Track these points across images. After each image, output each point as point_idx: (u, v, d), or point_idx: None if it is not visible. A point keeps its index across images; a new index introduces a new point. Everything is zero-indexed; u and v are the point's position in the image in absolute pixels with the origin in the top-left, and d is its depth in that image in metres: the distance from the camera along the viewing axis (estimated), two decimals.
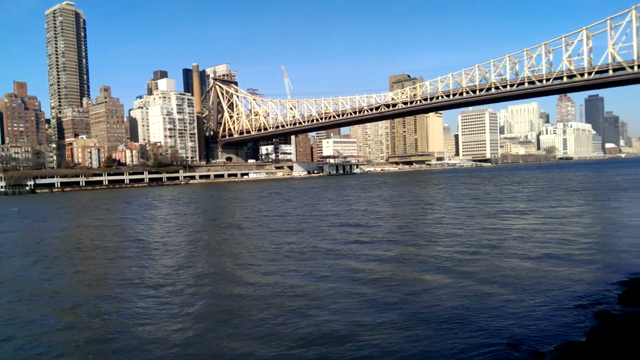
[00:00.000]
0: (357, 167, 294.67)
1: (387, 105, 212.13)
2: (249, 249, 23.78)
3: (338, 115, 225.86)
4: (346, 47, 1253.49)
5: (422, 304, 13.15)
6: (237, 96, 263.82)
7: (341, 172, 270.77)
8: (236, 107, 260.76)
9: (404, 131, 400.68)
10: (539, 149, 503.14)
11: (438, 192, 66.47)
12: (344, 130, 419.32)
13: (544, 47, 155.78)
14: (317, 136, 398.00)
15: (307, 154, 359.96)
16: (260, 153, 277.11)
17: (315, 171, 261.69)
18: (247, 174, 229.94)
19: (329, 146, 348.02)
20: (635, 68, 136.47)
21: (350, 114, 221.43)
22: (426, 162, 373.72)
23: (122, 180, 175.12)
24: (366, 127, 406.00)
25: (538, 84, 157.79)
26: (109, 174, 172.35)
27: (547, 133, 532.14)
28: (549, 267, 16.60)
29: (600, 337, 9.37)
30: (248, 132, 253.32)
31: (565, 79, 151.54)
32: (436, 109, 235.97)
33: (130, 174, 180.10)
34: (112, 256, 23.45)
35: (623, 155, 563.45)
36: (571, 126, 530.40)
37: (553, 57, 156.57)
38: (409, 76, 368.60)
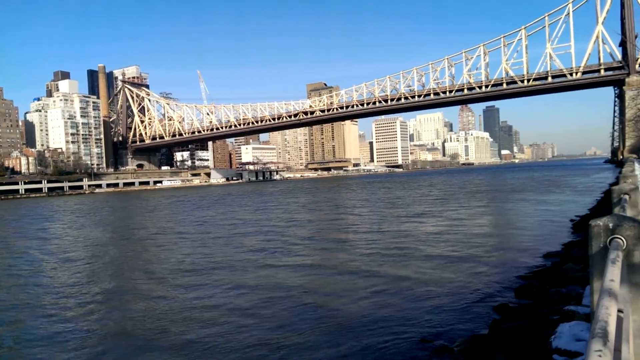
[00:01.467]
0: (277, 174, 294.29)
1: (305, 113, 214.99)
2: (160, 262, 22.54)
3: (257, 122, 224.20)
4: (264, 53, 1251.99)
5: (335, 307, 13.35)
6: (149, 100, 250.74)
7: (261, 178, 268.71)
8: (148, 111, 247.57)
9: (322, 138, 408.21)
10: (444, 155, 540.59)
11: (355, 196, 68.63)
12: (263, 136, 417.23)
13: (447, 61, 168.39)
14: (235, 142, 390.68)
15: (226, 160, 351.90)
16: (175, 160, 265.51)
17: (234, 178, 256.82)
18: (160, 182, 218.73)
19: (248, 152, 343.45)
20: (525, 82, 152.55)
21: (269, 120, 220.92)
22: (344, 168, 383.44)
23: (17, 191, 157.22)
24: (285, 133, 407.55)
25: (442, 95, 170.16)
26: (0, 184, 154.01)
27: (451, 141, 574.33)
28: (454, 267, 17.73)
29: (500, 329, 10.17)
30: (161, 137, 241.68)
31: (465, 91, 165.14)
32: (352, 117, 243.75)
33: (26, 183, 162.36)
34: None
35: (516, 161, 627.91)
36: (472, 134, 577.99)
37: (455, 71, 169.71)
38: (325, 84, 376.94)
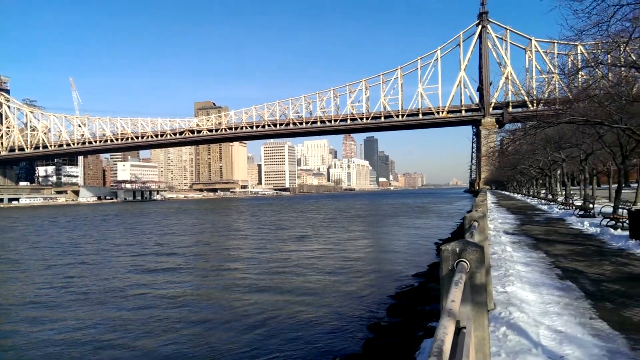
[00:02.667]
0: (157, 194, 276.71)
1: (192, 131, 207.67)
2: (13, 292, 19.53)
3: (137, 137, 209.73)
4: (148, 65, 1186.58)
5: (210, 332, 12.87)
6: (9, 106, 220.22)
7: (139, 198, 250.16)
8: (6, 119, 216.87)
9: (209, 158, 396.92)
10: (329, 180, 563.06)
11: (240, 218, 67.51)
12: (144, 153, 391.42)
13: (333, 92, 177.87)
14: (111, 159, 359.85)
15: (99, 177, 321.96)
16: (36, 175, 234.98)
17: (107, 197, 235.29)
18: (17, 199, 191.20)
19: (125, 170, 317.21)
20: (400, 117, 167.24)
21: (152, 136, 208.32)
22: (231, 190, 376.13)
23: None
24: (169, 151, 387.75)
25: (328, 123, 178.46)
26: None
27: (335, 167, 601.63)
28: (332, 289, 18.27)
29: (373, 347, 10.70)
30: (21, 149, 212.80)
31: (349, 121, 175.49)
32: (241, 138, 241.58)
33: None
34: None
35: (392, 188, 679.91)
36: (354, 162, 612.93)
37: (340, 102, 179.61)
38: (214, 104, 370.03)
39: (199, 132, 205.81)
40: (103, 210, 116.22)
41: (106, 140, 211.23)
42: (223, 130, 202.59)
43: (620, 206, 17.47)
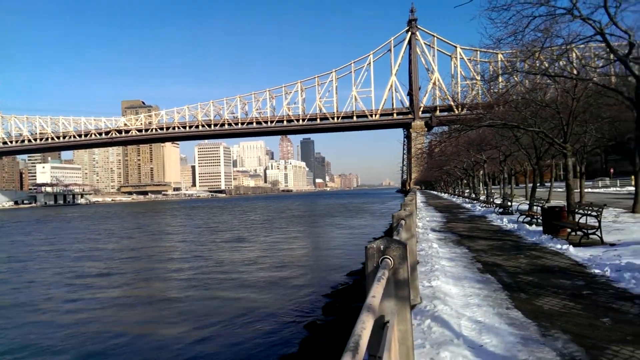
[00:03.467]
0: (82, 197, 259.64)
1: (120, 131, 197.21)
2: None
3: (58, 137, 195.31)
4: (69, 60, 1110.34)
5: (137, 338, 12.29)
6: None
7: (61, 202, 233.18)
8: None
9: (139, 160, 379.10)
10: (266, 182, 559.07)
11: (174, 222, 65.02)
12: (66, 154, 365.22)
13: (269, 93, 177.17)
14: (29, 160, 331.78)
15: (16, 180, 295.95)
16: None
17: (25, 201, 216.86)
18: None
19: (45, 172, 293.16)
20: (336, 119, 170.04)
21: (74, 136, 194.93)
22: (162, 192, 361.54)
23: None
24: (94, 152, 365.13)
25: (264, 124, 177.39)
26: None
27: (272, 168, 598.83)
28: (269, 291, 18.17)
29: (309, 345, 10.76)
30: None
31: (285, 123, 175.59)
32: (173, 139, 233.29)
33: None
34: None
35: (328, 189, 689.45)
36: (291, 163, 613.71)
37: (276, 103, 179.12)
38: (143, 103, 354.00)
39: (127, 132, 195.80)
40: (22, 216, 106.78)
41: (23, 141, 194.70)
42: (154, 130, 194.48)
43: (534, 204, 18.99)
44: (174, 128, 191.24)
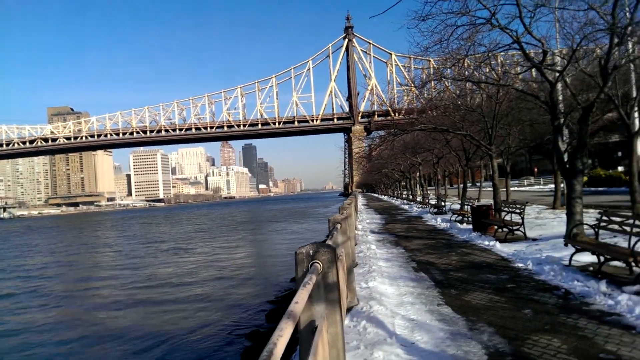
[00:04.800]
0: (4, 211, 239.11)
1: (46, 140, 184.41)
2: None
3: None
4: None
5: (70, 355, 11.51)
6: None
7: None
8: None
9: (68, 169, 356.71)
10: (207, 189, 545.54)
11: (106, 234, 61.55)
12: None
13: (208, 98, 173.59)
14: None
15: None
16: None
17: None
18: None
19: None
20: (277, 124, 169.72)
21: None
22: (95, 203, 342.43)
23: None
24: (17, 162, 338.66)
25: (204, 130, 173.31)
26: None
27: (213, 175, 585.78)
28: (210, 301, 17.69)
29: (251, 355, 10.56)
30: None
31: (225, 128, 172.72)
32: (105, 146, 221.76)
33: None
34: None
35: (272, 194, 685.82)
36: (233, 169, 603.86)
37: (215, 108, 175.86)
38: (72, 109, 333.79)
39: (54, 140, 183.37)
40: None
41: None
42: (84, 137, 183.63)
43: (465, 203, 19.99)
44: (106, 135, 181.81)
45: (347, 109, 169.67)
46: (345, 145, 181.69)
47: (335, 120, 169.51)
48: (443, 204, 24.29)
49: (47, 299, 20.32)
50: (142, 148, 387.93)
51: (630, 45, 11.18)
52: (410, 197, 40.16)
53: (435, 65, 15.37)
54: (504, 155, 23.53)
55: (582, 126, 10.34)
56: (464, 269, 9.71)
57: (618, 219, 8.36)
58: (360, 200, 58.15)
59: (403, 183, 55.69)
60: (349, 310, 6.89)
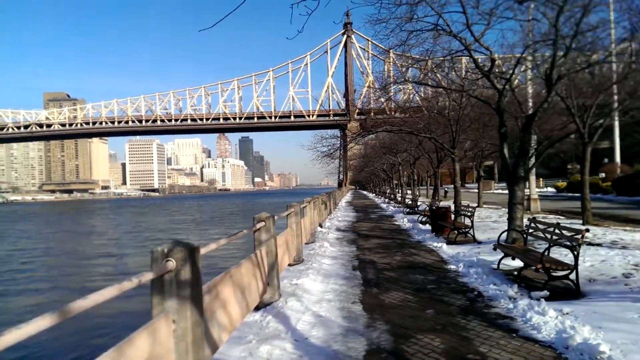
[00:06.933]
0: None
1: (41, 125, 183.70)
2: None
3: None
4: None
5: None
6: None
7: None
8: None
9: (63, 156, 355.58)
10: (202, 180, 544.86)
11: (98, 223, 61.65)
12: None
13: (204, 90, 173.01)
14: None
15: None
16: None
17: None
18: None
19: None
20: (273, 118, 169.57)
21: None
22: (89, 191, 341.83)
23: None
24: (12, 147, 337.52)
25: (200, 122, 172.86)
26: None
27: (209, 167, 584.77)
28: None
29: None
30: None
31: (222, 120, 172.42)
32: (101, 134, 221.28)
33: None
34: None
35: (267, 188, 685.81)
36: (229, 162, 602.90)
37: (212, 100, 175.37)
38: (68, 96, 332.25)
39: (49, 126, 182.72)
40: None
41: None
42: (79, 124, 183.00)
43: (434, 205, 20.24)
44: (101, 123, 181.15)
45: (343, 105, 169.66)
46: (340, 142, 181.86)
47: (331, 116, 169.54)
48: (417, 204, 24.60)
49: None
50: (138, 137, 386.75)
51: (575, 56, 11.44)
52: (392, 196, 40.58)
53: (399, 68, 15.60)
54: (476, 159, 23.83)
55: (524, 134, 10.61)
56: (400, 269, 9.97)
57: (542, 226, 8.65)
58: (346, 198, 58.47)
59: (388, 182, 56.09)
60: (267, 305, 7.14)
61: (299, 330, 6.00)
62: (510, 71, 10.69)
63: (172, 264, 3.81)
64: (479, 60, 12.47)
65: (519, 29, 11.63)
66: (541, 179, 54.93)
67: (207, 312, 4.47)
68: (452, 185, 17.72)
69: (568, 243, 7.34)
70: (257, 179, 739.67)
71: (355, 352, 5.18)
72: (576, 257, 7.15)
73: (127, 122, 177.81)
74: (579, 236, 7.12)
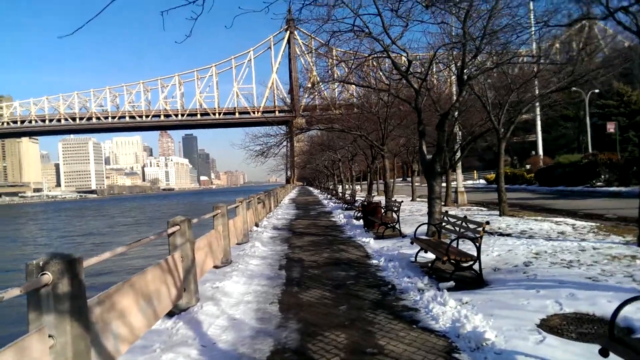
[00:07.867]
0: None
1: None
2: None
3: None
4: None
5: None
6: None
7: None
8: None
9: None
10: (144, 180, 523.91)
11: (30, 230, 57.57)
12: None
13: (142, 86, 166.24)
14: None
15: None
16: None
17: None
18: None
19: None
20: (217, 115, 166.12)
21: None
22: (20, 194, 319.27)
23: None
24: None
25: (139, 119, 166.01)
26: None
27: (151, 166, 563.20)
28: None
29: None
30: None
31: (162, 117, 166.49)
32: (30, 134, 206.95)
33: None
34: None
35: (214, 186, 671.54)
36: (172, 160, 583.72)
37: (151, 96, 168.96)
38: None
39: None
40: None
41: None
42: (5, 124, 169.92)
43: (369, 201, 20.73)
44: (30, 122, 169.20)
45: (289, 101, 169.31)
46: (286, 138, 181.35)
47: (276, 112, 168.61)
48: (355, 200, 25.12)
49: None
50: (72, 136, 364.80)
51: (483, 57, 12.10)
52: (334, 192, 41.19)
53: (328, 66, 15.81)
54: (409, 155, 24.69)
55: (439, 132, 11.11)
56: (325, 266, 10.15)
57: (452, 220, 9.13)
58: (292, 194, 58.58)
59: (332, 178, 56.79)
60: (183, 311, 7.03)
61: (209, 335, 5.97)
62: (425, 71, 11.14)
63: (47, 277, 3.67)
64: (403, 60, 12.93)
65: (440, 32, 12.13)
66: (475, 172, 57.87)
67: (97, 324, 4.36)
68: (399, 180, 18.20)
69: (472, 235, 7.81)
70: (203, 178, 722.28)
71: (260, 354, 5.23)
72: (478, 249, 7.63)
73: (59, 120, 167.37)
74: (481, 229, 7.61)
